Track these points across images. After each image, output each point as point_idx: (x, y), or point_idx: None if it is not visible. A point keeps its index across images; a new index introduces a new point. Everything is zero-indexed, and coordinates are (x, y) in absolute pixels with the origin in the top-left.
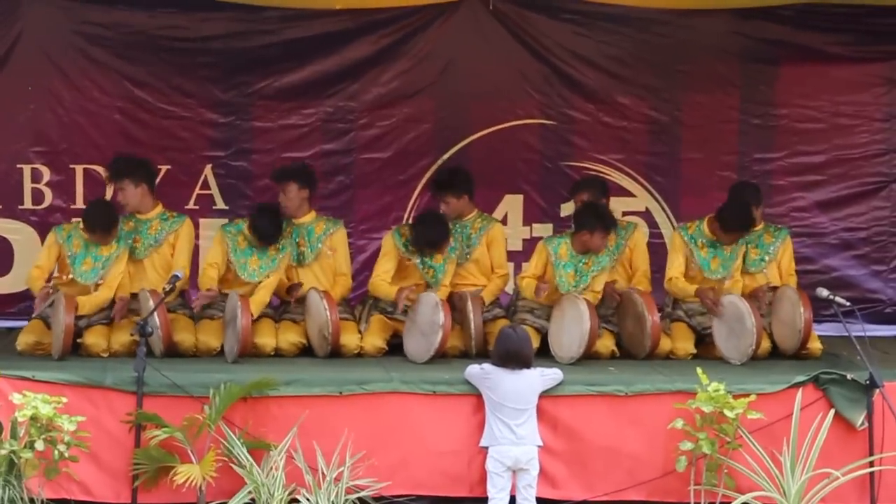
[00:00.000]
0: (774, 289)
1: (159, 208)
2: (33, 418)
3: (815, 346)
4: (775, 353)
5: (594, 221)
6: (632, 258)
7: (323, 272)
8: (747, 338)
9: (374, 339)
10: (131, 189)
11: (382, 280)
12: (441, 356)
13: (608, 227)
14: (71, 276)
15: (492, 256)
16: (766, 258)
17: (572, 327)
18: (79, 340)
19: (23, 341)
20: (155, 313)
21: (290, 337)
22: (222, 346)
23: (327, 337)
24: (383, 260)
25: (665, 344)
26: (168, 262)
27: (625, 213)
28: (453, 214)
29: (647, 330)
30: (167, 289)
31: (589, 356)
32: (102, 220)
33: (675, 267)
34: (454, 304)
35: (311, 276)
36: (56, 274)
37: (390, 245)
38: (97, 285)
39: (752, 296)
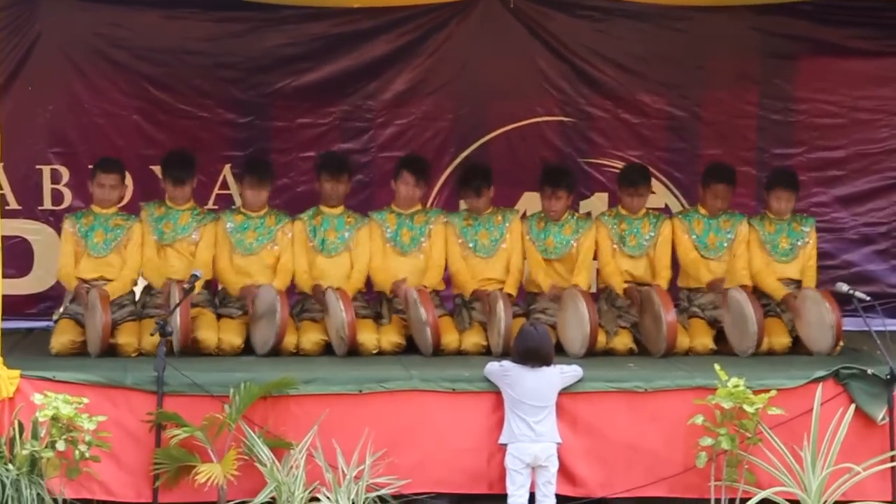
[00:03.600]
0: (798, 283)
1: (192, 202)
2: (54, 418)
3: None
4: (794, 349)
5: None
6: (657, 251)
7: (342, 265)
8: (749, 337)
9: (392, 336)
10: (189, 187)
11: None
12: (458, 353)
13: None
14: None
15: (513, 247)
16: (799, 244)
17: (574, 326)
18: (111, 341)
19: (57, 342)
20: (177, 310)
21: (311, 336)
22: (244, 344)
23: (343, 338)
24: (376, 246)
25: (684, 341)
26: (192, 254)
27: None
28: (484, 208)
29: (662, 329)
30: (186, 287)
31: (607, 353)
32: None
33: (683, 254)
34: (481, 301)
35: (330, 266)
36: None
37: (378, 230)
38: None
39: (710, 287)
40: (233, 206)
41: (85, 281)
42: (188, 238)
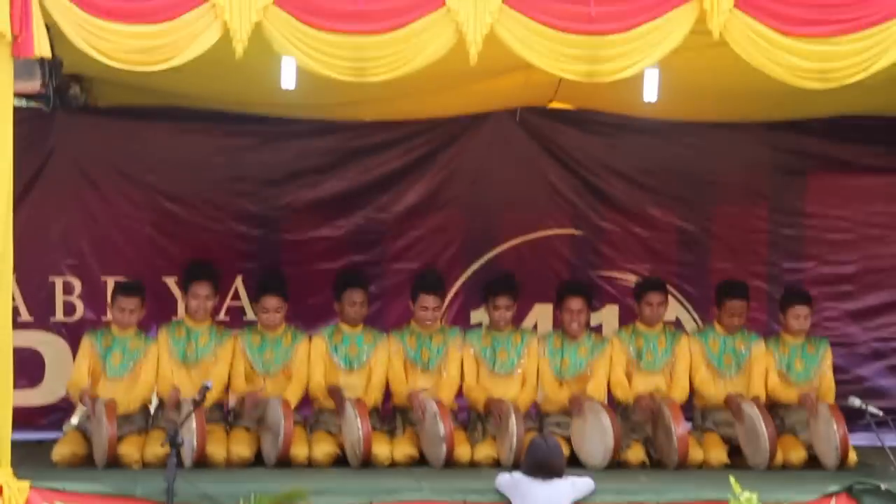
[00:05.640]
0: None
1: (210, 320)
2: None
3: (851, 457)
4: (811, 463)
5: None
6: (675, 367)
7: (362, 381)
8: (762, 452)
9: (405, 448)
10: (212, 295)
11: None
12: (470, 464)
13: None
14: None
15: (530, 367)
16: (813, 369)
17: (595, 439)
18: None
19: (58, 453)
20: (193, 423)
21: (324, 447)
22: (255, 456)
23: (358, 453)
24: (396, 360)
25: (697, 454)
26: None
27: None
28: (506, 320)
29: (673, 442)
30: (197, 399)
31: (619, 465)
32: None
33: (699, 374)
34: (492, 411)
35: (352, 381)
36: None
37: (397, 346)
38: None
39: (800, 402)
40: (250, 326)
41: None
42: (211, 357)
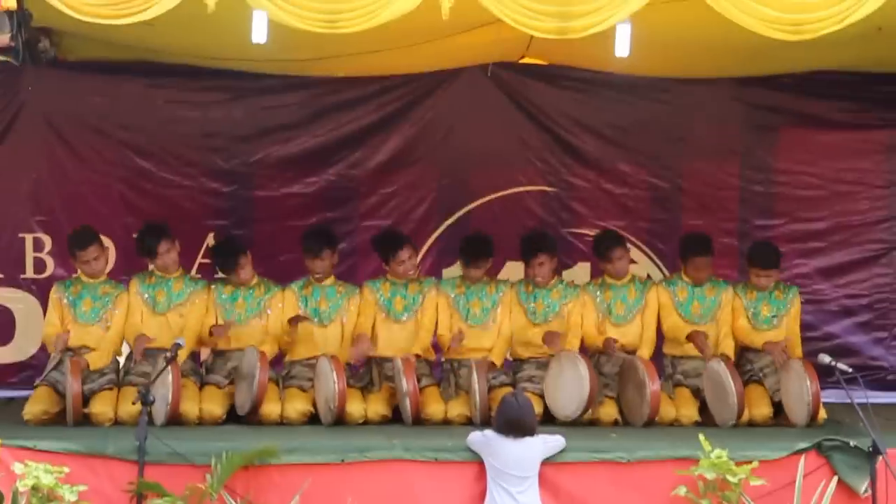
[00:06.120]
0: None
1: (181, 269)
2: (34, 488)
3: (821, 414)
4: (778, 421)
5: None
6: (644, 316)
7: (336, 334)
8: (729, 409)
9: (378, 407)
10: (174, 249)
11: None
12: (444, 422)
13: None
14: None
15: (503, 317)
16: (779, 315)
17: (571, 388)
18: (85, 410)
19: (29, 410)
20: (169, 378)
21: (297, 405)
22: (226, 414)
23: (332, 408)
24: (366, 317)
25: (669, 411)
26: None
27: None
28: (479, 278)
29: (646, 398)
30: (168, 357)
31: (591, 423)
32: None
33: (669, 321)
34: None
35: (324, 335)
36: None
37: (369, 300)
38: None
39: (764, 349)
40: (223, 277)
41: (69, 349)
42: (185, 304)
